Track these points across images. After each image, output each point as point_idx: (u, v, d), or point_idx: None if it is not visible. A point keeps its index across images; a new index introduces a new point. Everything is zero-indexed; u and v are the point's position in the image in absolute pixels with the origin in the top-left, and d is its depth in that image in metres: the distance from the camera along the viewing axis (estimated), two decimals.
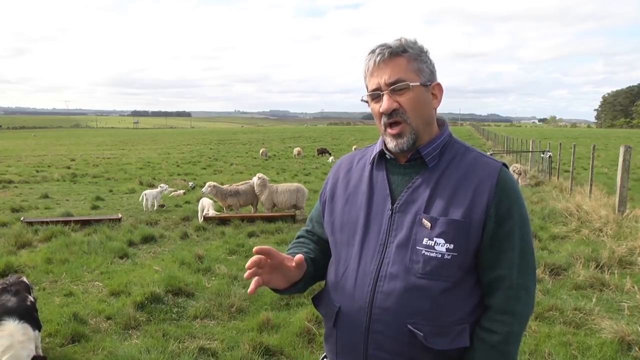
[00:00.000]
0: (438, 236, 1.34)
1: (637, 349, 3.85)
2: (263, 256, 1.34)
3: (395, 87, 1.37)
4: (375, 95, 1.41)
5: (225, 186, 10.11)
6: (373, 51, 1.41)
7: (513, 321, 1.37)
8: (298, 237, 1.71)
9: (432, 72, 1.44)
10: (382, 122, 1.43)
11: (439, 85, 1.46)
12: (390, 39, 1.43)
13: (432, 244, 1.35)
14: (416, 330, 1.33)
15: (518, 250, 1.37)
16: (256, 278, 1.33)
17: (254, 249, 1.34)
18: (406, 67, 1.39)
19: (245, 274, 1.32)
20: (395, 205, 1.42)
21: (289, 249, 1.63)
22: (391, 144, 1.42)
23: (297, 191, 9.77)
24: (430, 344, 1.33)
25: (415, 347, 1.35)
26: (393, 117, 1.40)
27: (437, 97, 1.45)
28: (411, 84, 1.38)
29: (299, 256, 1.40)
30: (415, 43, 1.42)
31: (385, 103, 1.39)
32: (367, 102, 1.48)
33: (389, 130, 1.41)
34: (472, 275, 1.40)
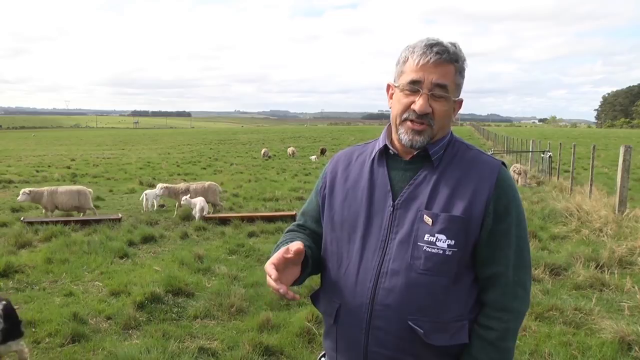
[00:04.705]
0: (439, 232, 1.36)
1: (637, 349, 3.84)
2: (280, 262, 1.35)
3: (438, 93, 1.37)
4: (412, 89, 1.39)
5: (178, 185, 10.50)
6: (430, 46, 1.37)
7: (510, 318, 1.39)
8: (287, 232, 1.68)
9: (461, 88, 1.46)
10: (403, 116, 1.42)
11: (461, 101, 1.47)
12: (445, 39, 1.40)
13: (434, 240, 1.36)
14: (416, 327, 1.35)
15: (514, 247, 1.40)
16: (283, 291, 1.32)
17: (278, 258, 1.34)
18: (453, 77, 1.39)
19: (281, 291, 1.31)
20: (396, 202, 1.42)
21: (280, 242, 1.58)
22: (406, 137, 1.41)
23: (79, 193, 9.63)
24: (430, 340, 1.35)
25: (415, 344, 1.36)
26: (421, 119, 1.39)
27: (455, 110, 1.47)
28: (453, 98, 1.40)
29: (298, 246, 1.35)
30: (463, 53, 1.42)
31: (422, 103, 1.37)
32: (391, 86, 1.47)
33: (409, 124, 1.40)
34: (471, 272, 1.42)
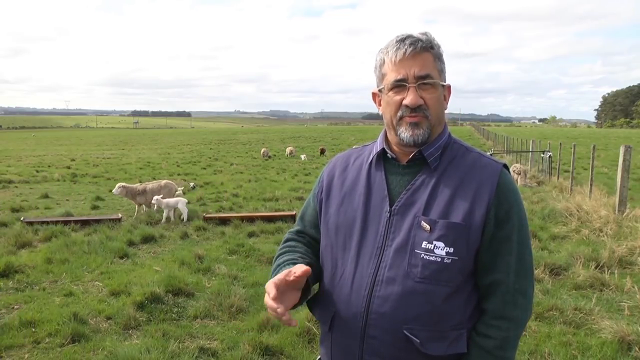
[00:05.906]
0: (437, 239, 1.31)
1: (637, 349, 3.85)
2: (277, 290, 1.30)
3: (426, 82, 1.35)
4: (398, 86, 1.37)
5: (135, 185, 10.32)
6: (402, 40, 1.36)
7: (509, 326, 1.34)
8: (286, 241, 1.63)
9: (445, 73, 1.44)
10: (397, 114, 1.38)
11: (449, 87, 1.45)
12: (415, 32, 1.40)
13: (432, 248, 1.31)
14: (412, 337, 1.31)
15: (515, 254, 1.35)
16: (280, 310, 1.27)
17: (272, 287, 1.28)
18: (433, 64, 1.37)
19: (279, 311, 1.26)
20: (393, 207, 1.38)
21: (279, 255, 1.56)
22: (407, 134, 1.37)
23: None
24: (426, 349, 1.31)
25: (411, 353, 1.32)
26: (416, 112, 1.36)
27: (446, 98, 1.44)
28: (441, 83, 1.38)
29: (305, 268, 1.32)
30: (436, 40, 1.40)
31: (413, 96, 1.34)
32: (379, 92, 1.44)
33: (407, 118, 1.37)
34: (471, 279, 1.37)
